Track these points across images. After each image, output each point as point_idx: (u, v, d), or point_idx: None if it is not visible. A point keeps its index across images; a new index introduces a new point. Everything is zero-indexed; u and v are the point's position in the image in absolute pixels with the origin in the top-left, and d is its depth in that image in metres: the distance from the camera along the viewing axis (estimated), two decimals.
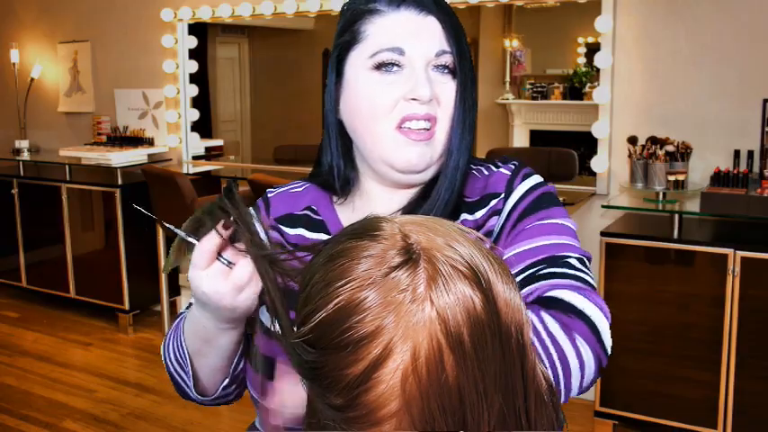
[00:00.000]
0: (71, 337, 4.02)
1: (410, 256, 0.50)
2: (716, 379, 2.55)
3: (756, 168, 2.77)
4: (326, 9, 3.67)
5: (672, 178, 2.75)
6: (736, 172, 2.73)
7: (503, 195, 0.90)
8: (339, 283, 0.51)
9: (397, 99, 0.86)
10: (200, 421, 3.02)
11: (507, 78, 4.40)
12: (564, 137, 4.22)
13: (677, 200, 2.80)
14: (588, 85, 4.10)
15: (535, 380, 0.53)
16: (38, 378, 3.49)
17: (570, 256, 0.84)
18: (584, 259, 0.85)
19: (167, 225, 0.74)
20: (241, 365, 0.90)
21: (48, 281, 4.41)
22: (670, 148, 2.76)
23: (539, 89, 4.36)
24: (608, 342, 0.77)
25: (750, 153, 2.79)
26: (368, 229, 0.54)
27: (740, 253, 2.48)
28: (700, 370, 2.58)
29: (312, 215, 0.96)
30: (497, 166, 0.93)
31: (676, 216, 2.71)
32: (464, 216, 0.90)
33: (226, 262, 0.72)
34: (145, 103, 4.42)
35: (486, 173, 0.94)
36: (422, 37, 0.88)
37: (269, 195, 1.01)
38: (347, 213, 0.95)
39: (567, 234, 0.87)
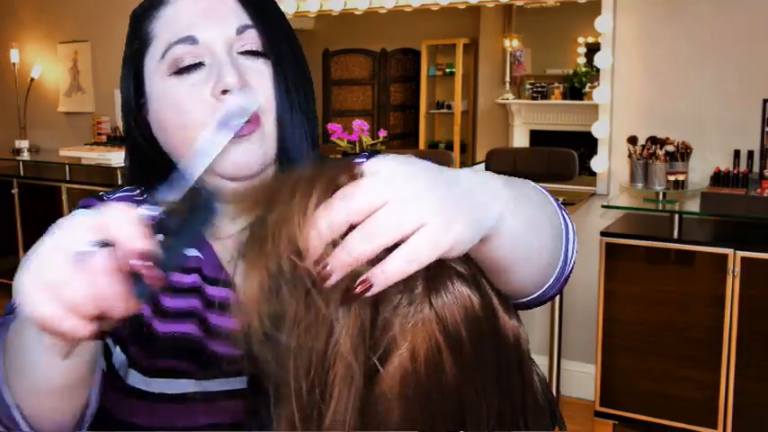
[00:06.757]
0: None
1: None
2: (716, 379, 2.55)
3: (756, 168, 2.77)
4: (326, 9, 3.67)
5: (672, 178, 2.75)
6: (736, 172, 2.73)
7: None
8: None
9: (206, 100, 0.72)
10: None
11: (507, 78, 4.40)
12: (564, 137, 4.21)
13: (677, 200, 2.80)
14: (588, 85, 4.09)
15: (532, 381, 0.53)
16: None
17: None
18: None
19: None
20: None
21: None
22: (670, 148, 2.76)
23: (539, 89, 4.35)
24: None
25: (750, 153, 2.79)
26: None
27: (740, 253, 2.48)
28: (700, 370, 2.58)
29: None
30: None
31: (676, 216, 2.71)
32: None
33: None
34: None
35: None
36: (214, 15, 0.73)
37: (108, 198, 0.81)
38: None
39: None
